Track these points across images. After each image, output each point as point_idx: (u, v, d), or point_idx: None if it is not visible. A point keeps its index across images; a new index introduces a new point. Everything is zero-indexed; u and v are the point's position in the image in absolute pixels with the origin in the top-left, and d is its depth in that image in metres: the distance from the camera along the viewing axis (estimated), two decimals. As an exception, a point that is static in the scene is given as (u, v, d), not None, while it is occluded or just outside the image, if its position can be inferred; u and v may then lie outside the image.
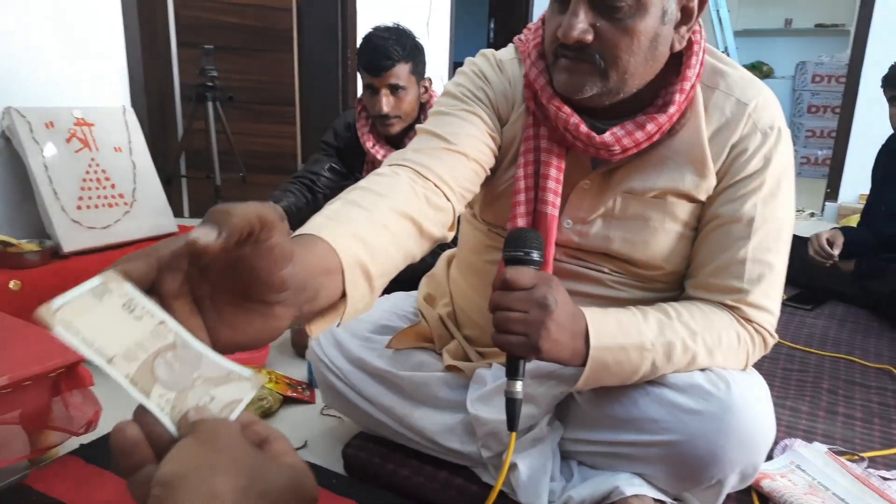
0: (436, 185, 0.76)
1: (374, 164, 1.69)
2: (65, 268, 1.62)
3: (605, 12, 0.74)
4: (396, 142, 1.69)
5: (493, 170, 0.90)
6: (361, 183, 0.71)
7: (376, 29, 1.62)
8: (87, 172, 1.76)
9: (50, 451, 1.07)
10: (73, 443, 1.09)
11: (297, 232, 0.57)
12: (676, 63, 0.82)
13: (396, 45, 1.58)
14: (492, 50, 0.95)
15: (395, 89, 1.60)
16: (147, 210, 1.88)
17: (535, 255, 0.75)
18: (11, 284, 1.48)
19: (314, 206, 1.73)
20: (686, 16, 0.79)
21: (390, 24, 1.65)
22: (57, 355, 1.04)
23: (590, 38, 0.75)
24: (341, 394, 1.06)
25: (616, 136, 0.80)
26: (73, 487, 0.99)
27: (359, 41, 2.90)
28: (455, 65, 3.84)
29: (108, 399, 1.06)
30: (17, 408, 1.00)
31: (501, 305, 0.73)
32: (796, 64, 5.19)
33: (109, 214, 1.77)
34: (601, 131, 0.81)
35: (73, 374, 1.04)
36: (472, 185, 0.84)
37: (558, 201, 0.86)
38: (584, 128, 0.81)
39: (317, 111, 3.03)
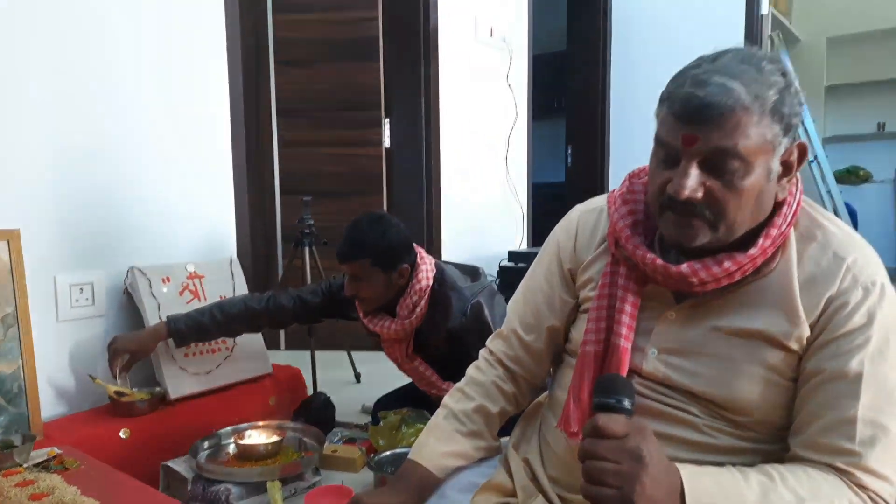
0: (518, 379, 1.03)
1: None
2: (170, 414, 1.72)
3: (716, 173, 0.78)
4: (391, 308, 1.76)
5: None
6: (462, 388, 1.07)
7: (356, 221, 1.70)
8: (194, 322, 1.91)
9: None
10: None
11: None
12: (773, 208, 0.85)
13: (356, 244, 1.65)
14: (577, 208, 1.07)
15: (355, 278, 1.70)
16: (246, 354, 1.99)
17: (627, 404, 0.75)
18: (122, 434, 1.59)
19: (301, 312, 1.88)
20: (787, 169, 0.83)
21: (373, 215, 1.72)
22: (155, 517, 1.09)
23: (700, 196, 0.79)
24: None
25: (692, 269, 0.83)
26: None
27: (442, 181, 3.11)
28: (534, 187, 3.97)
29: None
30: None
31: (592, 454, 0.72)
32: (895, 168, 4.98)
33: (212, 360, 1.90)
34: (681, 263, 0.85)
35: (168, 536, 1.08)
36: (552, 361, 0.98)
37: (632, 335, 0.89)
38: (659, 262, 0.85)
39: (404, 245, 3.19)
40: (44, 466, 1.31)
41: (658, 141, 0.84)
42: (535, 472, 1.03)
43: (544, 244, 1.09)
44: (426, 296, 1.70)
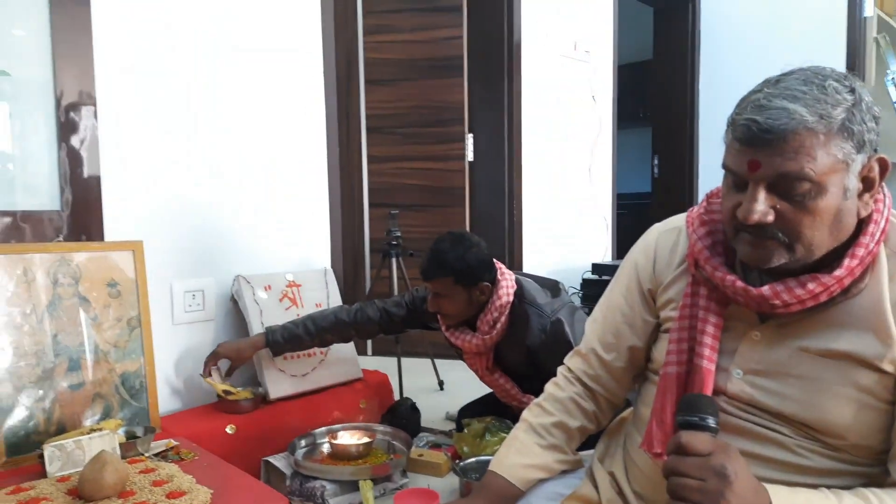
0: (597, 398, 1.06)
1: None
2: (270, 413, 1.85)
3: (785, 195, 0.77)
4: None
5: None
6: (541, 403, 1.11)
7: (438, 238, 1.76)
8: (293, 327, 2.04)
9: None
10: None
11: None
12: (859, 225, 0.82)
13: (438, 263, 1.71)
14: (655, 227, 1.06)
15: (437, 294, 1.75)
16: (338, 358, 2.10)
17: (711, 422, 0.75)
18: (228, 429, 1.73)
19: (387, 324, 1.97)
20: (868, 185, 0.80)
21: (455, 234, 1.78)
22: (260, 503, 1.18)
23: (770, 219, 0.78)
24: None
25: (774, 291, 0.81)
26: None
27: (524, 194, 3.14)
28: (619, 198, 3.91)
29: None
30: (228, 552, 1.14)
31: (676, 471, 0.73)
32: None
33: (307, 364, 2.02)
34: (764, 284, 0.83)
35: (273, 524, 1.17)
36: (632, 380, 1.01)
37: (715, 356, 0.88)
38: (739, 283, 0.84)
39: (486, 257, 3.24)
40: (163, 456, 1.44)
41: (725, 167, 0.83)
42: (620, 487, 1.04)
43: (622, 264, 1.09)
44: (506, 311, 1.74)
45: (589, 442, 1.13)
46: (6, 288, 1.46)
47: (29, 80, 1.53)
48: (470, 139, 3.19)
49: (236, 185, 2.04)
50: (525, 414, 1.14)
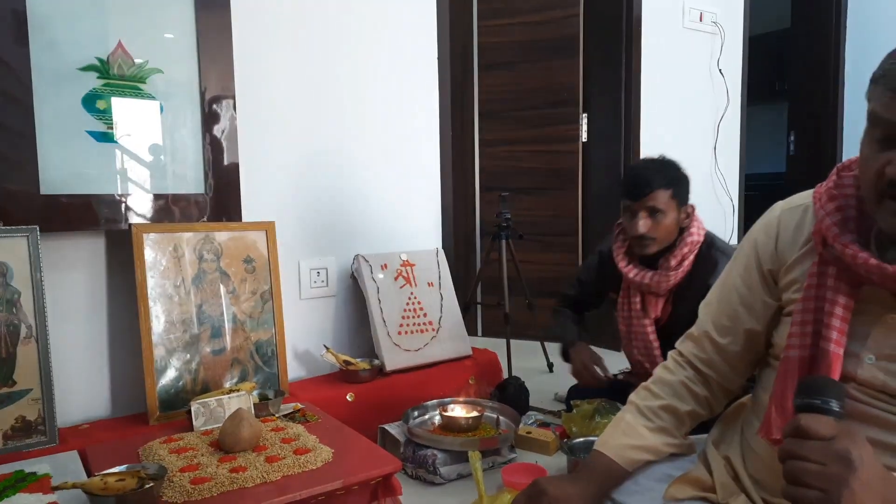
0: (710, 383, 1.02)
1: (628, 286, 1.78)
2: (386, 384, 1.96)
3: None
4: (650, 261, 1.73)
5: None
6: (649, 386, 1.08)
7: (641, 160, 1.71)
8: (408, 304, 2.14)
9: (365, 549, 1.28)
10: (383, 545, 1.27)
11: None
12: None
13: (658, 172, 1.66)
14: (778, 205, 1.00)
15: (653, 212, 1.66)
16: (449, 335, 2.17)
17: (835, 406, 0.70)
18: (348, 396, 1.85)
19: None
20: None
21: (655, 157, 1.74)
22: (377, 466, 1.27)
23: None
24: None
25: None
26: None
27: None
28: (747, 178, 3.65)
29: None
30: (345, 507, 1.24)
31: (794, 454, 0.69)
32: None
33: (420, 339, 2.11)
34: None
35: (388, 484, 1.25)
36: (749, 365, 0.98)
37: (844, 340, 0.82)
38: (873, 261, 0.78)
39: (597, 240, 3.16)
40: (290, 417, 1.58)
41: (874, 118, 0.76)
42: (736, 472, 1.00)
43: (740, 244, 1.03)
44: (695, 251, 1.69)
45: (700, 428, 1.10)
46: (160, 263, 1.67)
47: (178, 78, 1.71)
48: (584, 120, 3.13)
49: (356, 170, 2.16)
50: (632, 397, 1.12)
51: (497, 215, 2.59)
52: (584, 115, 3.12)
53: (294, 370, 1.99)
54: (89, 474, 1.22)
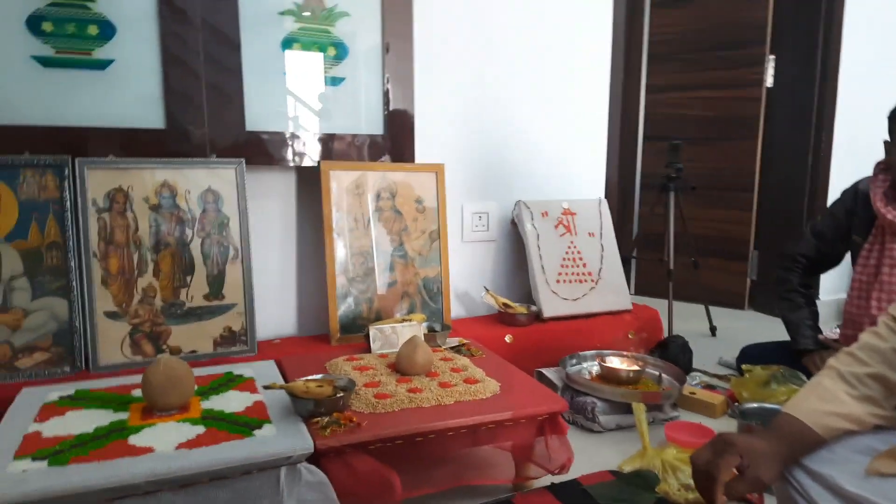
0: None
1: (884, 227, 1.60)
2: (543, 330, 1.97)
3: None
4: None
5: None
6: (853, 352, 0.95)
7: None
8: (567, 253, 2.12)
9: (528, 482, 1.32)
10: (546, 480, 1.31)
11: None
12: None
13: None
14: None
15: None
16: (609, 288, 2.13)
17: None
18: (507, 338, 1.90)
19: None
20: None
21: None
22: (545, 403, 1.29)
23: None
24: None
25: None
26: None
27: (837, 125, 2.68)
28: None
29: (581, 450, 1.25)
30: (510, 439, 1.29)
31: None
32: None
33: (579, 289, 2.09)
34: None
35: (555, 421, 1.28)
36: None
37: None
38: None
39: (777, 197, 2.88)
40: (456, 350, 1.66)
41: None
42: None
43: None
44: None
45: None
46: (344, 198, 1.79)
47: (363, 22, 1.79)
48: (771, 62, 2.82)
49: (521, 117, 2.14)
50: (832, 362, 1.03)
51: (666, 166, 2.45)
52: (772, 56, 2.82)
53: (454, 309, 2.07)
54: (285, 381, 1.37)
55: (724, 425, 1.64)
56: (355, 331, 1.77)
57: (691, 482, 1.06)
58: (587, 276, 2.11)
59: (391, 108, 1.85)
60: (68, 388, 1.31)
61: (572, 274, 2.09)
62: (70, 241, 1.49)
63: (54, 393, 1.29)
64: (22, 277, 1.46)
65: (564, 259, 2.11)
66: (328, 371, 1.45)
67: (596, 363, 1.83)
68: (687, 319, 2.62)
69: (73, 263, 1.49)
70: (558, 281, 2.06)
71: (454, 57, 1.99)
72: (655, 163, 2.97)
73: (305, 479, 1.07)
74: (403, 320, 1.70)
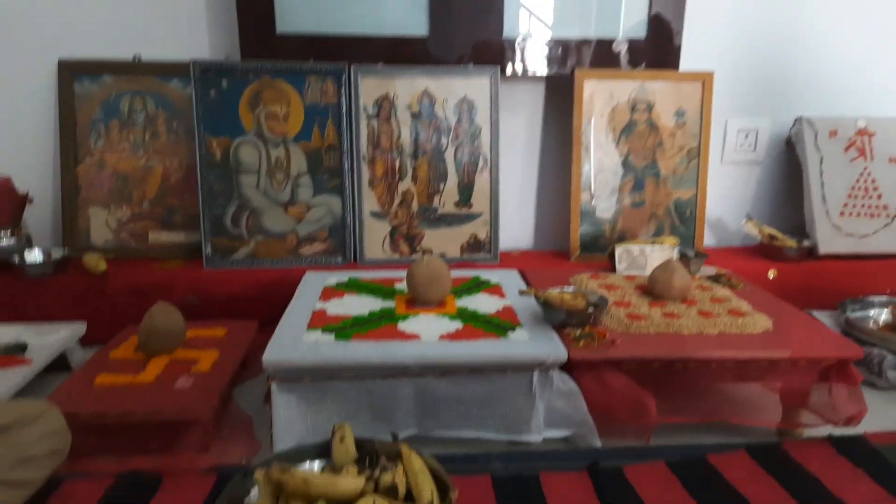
0: None
1: None
2: (816, 268, 1.70)
3: None
4: None
5: None
6: None
7: None
8: (857, 181, 1.77)
9: (797, 430, 1.17)
10: (824, 431, 1.14)
11: None
12: None
13: None
14: None
15: None
16: (910, 226, 1.75)
17: None
18: (770, 273, 1.67)
19: None
20: None
21: None
22: (833, 347, 1.11)
23: None
24: None
25: None
26: (822, 468, 1.03)
27: None
28: None
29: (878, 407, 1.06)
30: (782, 381, 1.14)
31: None
32: None
33: (869, 224, 1.75)
34: None
35: (844, 370, 1.10)
36: None
37: None
38: None
39: None
40: (713, 279, 1.50)
41: None
42: None
43: None
44: None
45: None
46: (595, 108, 1.68)
47: None
48: None
49: (811, 12, 1.78)
50: None
51: None
52: None
53: (707, 236, 1.88)
54: (531, 291, 1.37)
55: None
56: (595, 250, 1.71)
57: None
58: (881, 209, 1.75)
59: (654, 10, 1.66)
60: (342, 276, 1.46)
61: (862, 206, 1.75)
62: (344, 144, 1.62)
63: (332, 278, 1.45)
64: (306, 175, 1.64)
65: (854, 188, 1.77)
66: (573, 285, 1.42)
67: (887, 311, 1.53)
68: None
69: (346, 165, 1.63)
70: (842, 214, 1.74)
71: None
72: None
73: (557, 386, 1.07)
74: (653, 242, 1.58)
